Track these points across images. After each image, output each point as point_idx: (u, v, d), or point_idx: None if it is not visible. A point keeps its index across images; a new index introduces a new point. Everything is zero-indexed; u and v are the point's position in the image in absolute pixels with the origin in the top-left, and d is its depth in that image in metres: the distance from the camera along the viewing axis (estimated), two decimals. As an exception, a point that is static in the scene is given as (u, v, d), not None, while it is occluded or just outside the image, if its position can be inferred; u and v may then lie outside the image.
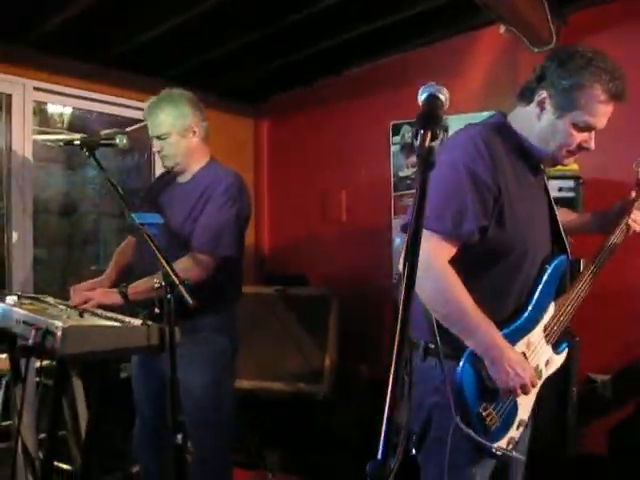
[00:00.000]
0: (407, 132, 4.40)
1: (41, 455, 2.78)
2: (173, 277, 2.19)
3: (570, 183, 3.50)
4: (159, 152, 2.91)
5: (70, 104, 4.31)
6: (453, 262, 1.87)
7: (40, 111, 5.14)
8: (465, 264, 1.87)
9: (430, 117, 1.25)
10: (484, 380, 1.88)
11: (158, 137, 2.87)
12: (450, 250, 1.87)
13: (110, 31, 3.64)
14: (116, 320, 2.33)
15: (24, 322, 2.22)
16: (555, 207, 2.16)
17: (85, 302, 2.66)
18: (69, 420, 3.04)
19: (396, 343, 0.99)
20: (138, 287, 2.71)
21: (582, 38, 3.87)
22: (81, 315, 2.36)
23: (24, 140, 3.76)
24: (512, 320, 1.97)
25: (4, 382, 3.17)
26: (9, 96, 3.73)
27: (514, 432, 1.99)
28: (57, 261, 5.74)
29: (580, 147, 1.97)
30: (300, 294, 4.55)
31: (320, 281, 4.71)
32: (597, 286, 3.63)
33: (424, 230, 1.79)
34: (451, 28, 4.21)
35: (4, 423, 3.15)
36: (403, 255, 1.79)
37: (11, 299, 2.57)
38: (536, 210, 2.06)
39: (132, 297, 2.70)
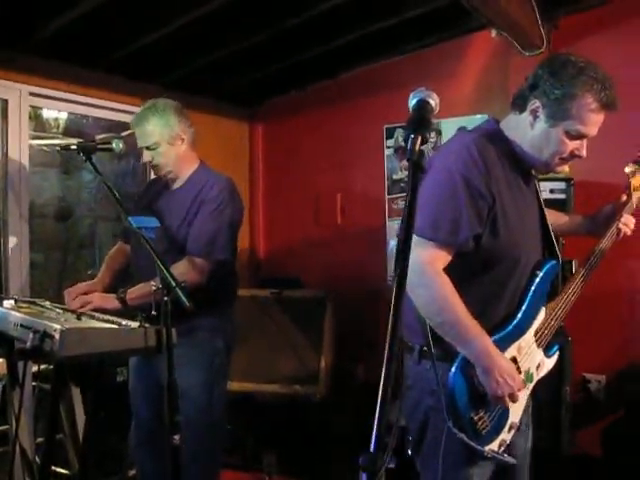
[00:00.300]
0: (401, 135, 4.43)
1: (38, 459, 2.78)
2: (170, 280, 2.21)
3: (561, 185, 3.54)
4: (150, 162, 2.93)
5: (66, 109, 4.33)
6: (446, 269, 1.89)
7: (36, 116, 5.16)
8: (458, 271, 1.89)
9: (420, 122, 1.28)
10: (476, 386, 1.90)
11: (147, 147, 2.89)
12: (445, 258, 1.89)
13: (106, 37, 3.66)
14: (113, 322, 2.35)
15: (22, 325, 2.23)
16: (546, 212, 2.18)
17: (83, 306, 2.68)
18: (66, 424, 3.05)
19: (388, 340, 1.02)
20: (135, 292, 2.74)
21: (573, 42, 3.91)
22: (78, 318, 2.37)
23: (20, 145, 3.77)
24: (503, 326, 1.99)
25: (1, 386, 3.18)
26: (5, 101, 3.73)
27: (505, 435, 2.01)
28: (53, 265, 5.75)
29: (572, 155, 1.99)
30: (295, 297, 4.56)
31: (315, 284, 4.72)
32: (591, 287, 3.65)
33: (420, 238, 1.85)
34: (443, 32, 4.24)
35: (1, 427, 3.15)
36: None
37: (8, 303, 2.58)
38: (528, 217, 2.08)
39: (130, 302, 2.72)
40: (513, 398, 1.90)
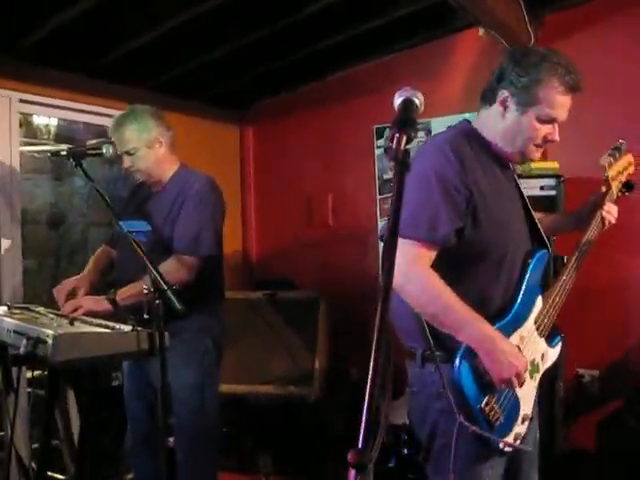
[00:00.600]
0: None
1: (34, 465, 2.79)
2: (161, 283, 2.22)
3: (551, 182, 3.55)
4: (130, 167, 2.95)
5: (56, 115, 4.33)
6: (436, 268, 1.90)
7: (26, 122, 5.16)
8: (448, 268, 1.91)
9: (405, 121, 1.28)
10: (482, 375, 1.90)
11: (127, 153, 2.90)
12: (429, 255, 1.90)
13: (94, 42, 3.66)
14: (106, 327, 2.36)
15: (15, 332, 2.24)
16: (529, 204, 2.21)
17: (75, 310, 2.69)
18: (62, 429, 3.05)
19: (375, 337, 1.03)
20: (126, 293, 2.74)
21: (560, 39, 3.93)
22: (71, 323, 2.38)
23: (11, 152, 3.77)
24: (502, 316, 1.99)
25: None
26: (-5, 108, 3.75)
27: (519, 427, 2.01)
28: (46, 272, 5.74)
29: (545, 140, 2.03)
30: (288, 298, 4.57)
31: (308, 285, 4.73)
32: (584, 282, 3.68)
33: (401, 239, 1.85)
34: (431, 32, 4.26)
35: (-2, 434, 3.16)
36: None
37: (1, 309, 2.59)
38: (510, 208, 2.10)
39: (121, 303, 2.73)
40: (519, 379, 1.89)
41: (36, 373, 2.99)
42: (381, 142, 4.61)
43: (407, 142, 1.23)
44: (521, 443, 2.01)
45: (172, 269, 2.76)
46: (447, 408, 1.90)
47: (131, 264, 2.81)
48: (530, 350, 2.03)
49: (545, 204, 3.53)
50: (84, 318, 2.57)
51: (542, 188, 3.55)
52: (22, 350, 2.09)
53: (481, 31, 4.00)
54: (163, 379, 2.23)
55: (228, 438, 4.60)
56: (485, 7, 3.41)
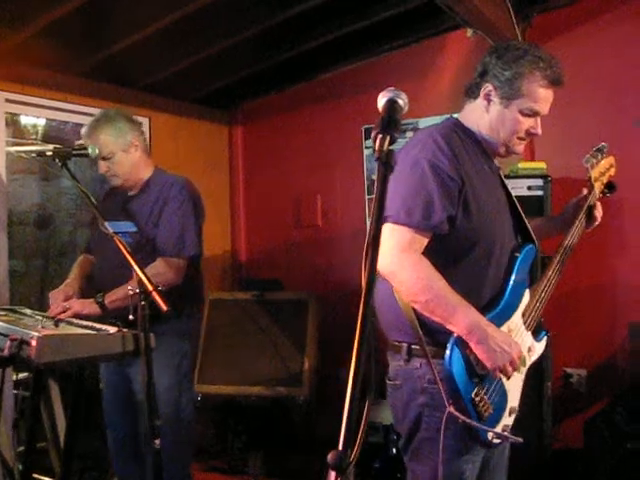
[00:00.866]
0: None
1: (20, 466, 2.77)
2: (147, 284, 2.21)
3: (539, 182, 3.56)
4: (106, 172, 2.94)
5: (43, 115, 4.31)
6: (427, 255, 1.91)
7: (13, 122, 5.13)
8: (438, 256, 1.91)
9: (389, 122, 1.28)
10: (473, 365, 1.90)
11: (103, 158, 2.89)
12: (422, 242, 1.91)
13: (83, 42, 3.65)
14: (91, 328, 2.35)
15: (-1, 333, 2.23)
16: (515, 200, 2.23)
17: (63, 312, 2.67)
18: (48, 431, 3.04)
19: (357, 336, 1.02)
20: (114, 295, 2.73)
21: (547, 39, 3.94)
22: (56, 324, 2.37)
23: (-4, 152, 3.75)
24: (491, 307, 2.00)
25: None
26: (-19, 108, 3.72)
27: (507, 419, 2.02)
28: (34, 273, 5.72)
29: (529, 133, 2.07)
30: (278, 299, 4.56)
31: (297, 285, 4.73)
32: (571, 282, 3.71)
33: (394, 225, 1.87)
34: (420, 32, 4.27)
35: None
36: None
37: (-15, 311, 2.58)
38: (497, 200, 2.12)
39: (110, 306, 2.71)
40: (514, 366, 1.90)
41: (24, 374, 2.99)
42: (370, 142, 4.60)
43: (391, 143, 1.23)
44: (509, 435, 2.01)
45: (160, 271, 2.79)
46: (431, 402, 1.91)
47: (110, 268, 2.81)
48: (519, 342, 2.03)
49: (532, 204, 3.54)
50: (69, 320, 2.56)
51: (529, 188, 3.56)
52: (6, 352, 2.07)
53: (469, 32, 4.01)
54: (149, 380, 2.21)
55: (217, 439, 4.59)
56: (472, 8, 3.41)
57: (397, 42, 4.38)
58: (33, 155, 2.73)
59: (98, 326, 2.39)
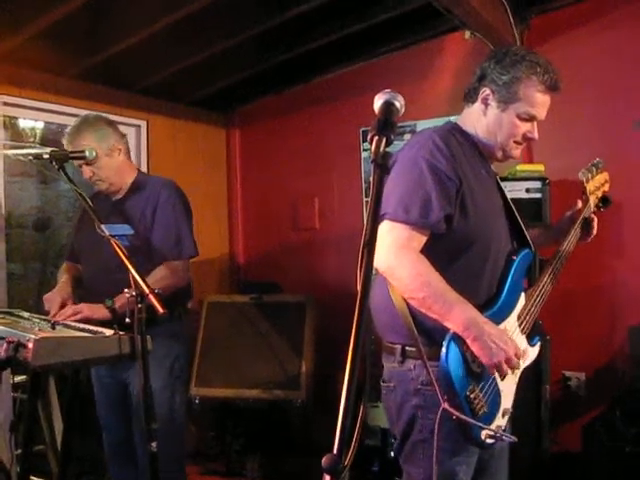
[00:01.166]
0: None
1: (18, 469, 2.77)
2: (143, 287, 2.21)
3: (537, 184, 3.56)
4: (91, 178, 2.92)
5: (41, 118, 4.30)
6: (424, 254, 1.92)
7: (11, 125, 5.13)
8: (435, 255, 1.92)
9: (385, 124, 1.28)
10: (469, 362, 1.91)
11: (87, 163, 2.87)
12: (420, 240, 1.92)
13: (80, 44, 3.64)
14: (88, 331, 2.35)
15: (-5, 336, 2.22)
16: (512, 204, 2.25)
17: (73, 315, 2.66)
18: (46, 433, 3.03)
19: (352, 340, 1.02)
20: (123, 299, 2.71)
21: (545, 41, 3.95)
22: (53, 327, 2.36)
23: (-6, 155, 3.74)
24: (488, 307, 2.01)
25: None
26: (-22, 111, 3.71)
27: (500, 420, 2.02)
28: (33, 276, 5.72)
29: (525, 137, 2.10)
30: (276, 301, 4.56)
31: (295, 288, 4.72)
32: (569, 285, 3.71)
33: (392, 223, 1.88)
34: (417, 35, 4.27)
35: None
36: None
37: (-18, 314, 2.57)
38: (493, 203, 2.14)
39: (120, 310, 2.69)
40: (510, 363, 1.90)
41: (21, 378, 2.98)
42: (367, 145, 4.60)
43: (387, 145, 1.24)
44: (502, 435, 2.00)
45: (165, 275, 2.82)
46: (425, 404, 1.92)
47: (105, 272, 2.80)
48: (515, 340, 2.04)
49: (531, 207, 3.54)
50: (66, 322, 2.56)
51: (528, 191, 3.56)
52: (3, 354, 2.07)
53: (467, 34, 4.02)
54: (146, 383, 2.21)
55: (215, 442, 4.59)
56: (470, 10, 3.42)
57: (395, 44, 4.38)
58: (30, 158, 2.72)
59: (94, 329, 2.38)
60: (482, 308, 1.98)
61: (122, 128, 4.48)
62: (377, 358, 2.10)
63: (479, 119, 2.10)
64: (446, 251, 1.98)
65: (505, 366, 1.89)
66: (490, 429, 1.95)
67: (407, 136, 4.32)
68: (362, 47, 4.40)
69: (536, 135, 2.11)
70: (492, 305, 2.02)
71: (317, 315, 4.43)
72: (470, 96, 2.14)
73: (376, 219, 1.17)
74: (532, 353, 2.17)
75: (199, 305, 4.64)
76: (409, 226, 1.91)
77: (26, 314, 2.82)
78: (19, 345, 2.07)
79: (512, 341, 1.93)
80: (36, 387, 2.47)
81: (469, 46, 4.11)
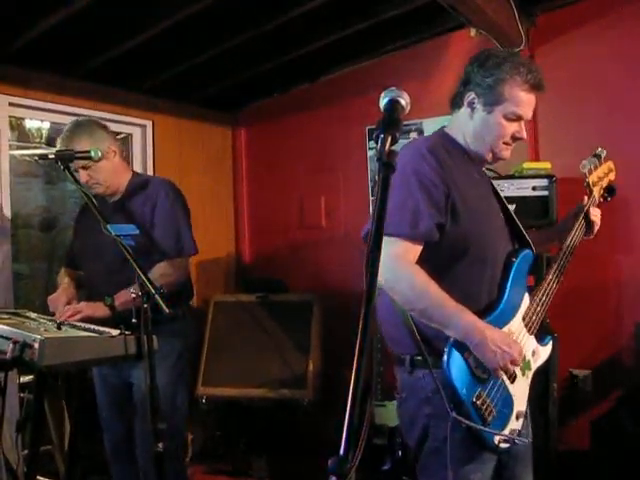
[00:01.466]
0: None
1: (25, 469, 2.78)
2: (149, 286, 2.21)
3: (544, 182, 3.54)
4: (88, 181, 2.91)
5: (46, 118, 4.30)
6: (421, 264, 1.92)
7: (18, 126, 5.14)
8: (431, 266, 1.92)
9: (391, 122, 1.28)
10: (472, 368, 1.90)
11: (83, 167, 2.87)
12: (414, 251, 1.93)
13: (85, 44, 3.64)
14: (94, 331, 2.35)
15: (1, 336, 2.23)
16: (508, 206, 2.24)
17: (74, 315, 2.67)
18: (53, 432, 3.04)
19: (358, 339, 1.02)
20: (123, 297, 2.71)
21: (551, 39, 3.94)
22: (59, 327, 2.37)
23: (0, 155, 3.73)
24: (489, 311, 2.00)
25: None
26: (-17, 112, 3.72)
27: (514, 424, 2.01)
28: (39, 276, 5.72)
29: (514, 137, 2.10)
30: (282, 300, 4.56)
31: (302, 287, 4.72)
32: (576, 282, 3.69)
33: (385, 237, 1.87)
34: (423, 33, 4.25)
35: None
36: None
37: (-11, 315, 2.57)
38: (488, 207, 2.14)
39: (120, 308, 2.70)
40: (516, 364, 1.91)
41: (28, 378, 2.99)
42: (373, 144, 4.59)
43: (392, 143, 1.23)
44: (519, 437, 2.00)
45: (166, 272, 2.83)
46: (436, 412, 1.91)
47: (108, 273, 2.81)
48: (518, 342, 2.03)
49: (537, 204, 3.53)
50: (73, 323, 2.56)
51: (534, 188, 3.54)
52: (8, 355, 2.07)
53: (473, 31, 4.00)
54: (152, 382, 2.21)
55: (221, 441, 4.59)
56: (475, 7, 3.40)
57: (400, 42, 4.37)
58: (36, 158, 2.74)
59: (100, 329, 2.39)
60: (483, 313, 1.97)
61: (128, 128, 4.57)
62: (384, 357, 2.10)
63: (466, 124, 2.11)
64: (442, 259, 1.98)
65: (511, 368, 1.90)
66: (501, 434, 1.94)
67: (413, 134, 4.31)
68: (367, 46, 4.39)
69: (524, 134, 2.10)
70: (493, 309, 2.01)
71: (323, 314, 4.42)
72: (456, 101, 2.15)
73: (382, 218, 1.17)
74: (544, 353, 2.17)
75: (205, 305, 4.65)
76: (401, 239, 1.91)
77: (33, 314, 2.82)
78: (25, 345, 2.08)
79: (515, 343, 1.93)
80: (42, 387, 2.47)
81: (475, 44, 4.09)
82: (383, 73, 4.51)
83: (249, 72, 4.47)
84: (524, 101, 2.05)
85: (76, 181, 2.68)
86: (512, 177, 3.64)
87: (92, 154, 2.68)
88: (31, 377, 2.98)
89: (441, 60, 4.35)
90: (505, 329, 2.00)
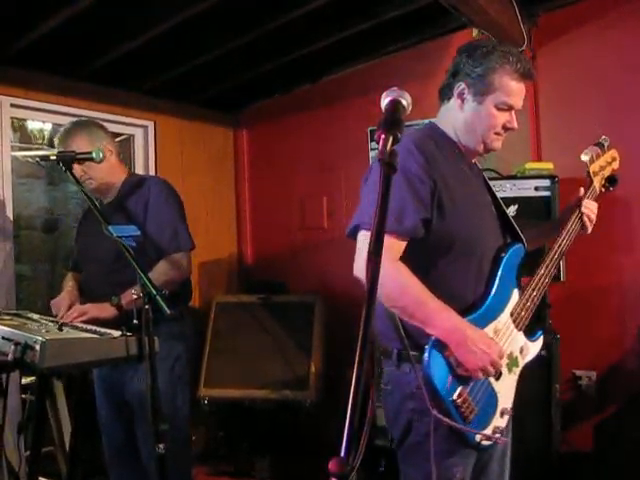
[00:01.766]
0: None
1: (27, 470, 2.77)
2: (150, 288, 2.21)
3: (546, 182, 3.54)
4: (81, 177, 2.89)
5: (48, 120, 4.31)
6: (405, 262, 1.90)
7: (20, 127, 5.15)
8: (417, 262, 1.91)
9: (392, 122, 1.28)
10: (453, 367, 1.89)
11: (78, 162, 2.84)
12: (399, 247, 1.91)
13: (86, 45, 3.64)
14: (95, 332, 2.35)
15: (3, 338, 2.23)
16: (500, 200, 2.22)
17: (79, 316, 2.66)
18: (55, 434, 3.04)
19: (359, 344, 1.01)
20: (127, 297, 2.71)
21: (553, 38, 3.93)
22: (60, 329, 2.37)
23: (2, 156, 3.73)
24: (474, 309, 1.99)
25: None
26: (-15, 113, 3.72)
27: (499, 421, 2.00)
28: (41, 277, 5.73)
29: (505, 127, 2.07)
30: (284, 301, 4.56)
31: (304, 288, 4.72)
32: (580, 283, 3.68)
33: (368, 232, 1.87)
34: (425, 33, 4.24)
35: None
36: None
37: (-9, 316, 2.58)
38: (478, 201, 2.11)
39: (127, 307, 2.69)
40: (496, 366, 1.89)
41: (31, 379, 2.99)
42: (375, 144, 4.59)
43: (394, 143, 1.23)
44: (501, 436, 1.99)
45: (164, 270, 2.82)
46: (420, 408, 1.89)
47: (107, 273, 2.80)
48: (507, 343, 2.02)
49: (540, 205, 3.52)
50: (75, 324, 2.56)
51: (537, 189, 3.54)
52: (10, 356, 2.08)
53: (475, 32, 3.99)
54: (153, 384, 2.21)
55: (224, 443, 4.59)
56: (477, 7, 3.40)
57: (403, 43, 4.36)
58: (37, 159, 2.74)
59: (102, 330, 2.38)
60: (468, 310, 1.96)
61: (129, 129, 4.57)
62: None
63: (456, 115, 2.08)
64: (428, 254, 1.96)
65: (491, 369, 1.88)
66: (482, 433, 1.94)
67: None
68: (369, 46, 4.38)
69: (515, 125, 2.08)
70: (479, 306, 1.99)
71: (325, 315, 4.42)
72: (445, 93, 2.13)
73: (383, 220, 1.17)
74: (533, 348, 2.14)
75: (207, 306, 4.64)
76: (386, 235, 1.89)
77: (35, 315, 2.83)
78: (26, 347, 2.08)
79: (495, 344, 1.92)
80: (44, 389, 2.47)
81: (477, 44, 4.08)
82: (385, 74, 4.50)
83: (250, 73, 4.47)
84: (514, 90, 2.03)
85: (78, 182, 2.67)
86: (514, 177, 3.64)
87: (94, 155, 2.67)
88: (33, 378, 2.99)
89: (443, 61, 4.31)
90: (491, 326, 1.98)
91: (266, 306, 4.52)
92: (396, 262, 1.89)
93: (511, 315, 2.06)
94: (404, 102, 1.35)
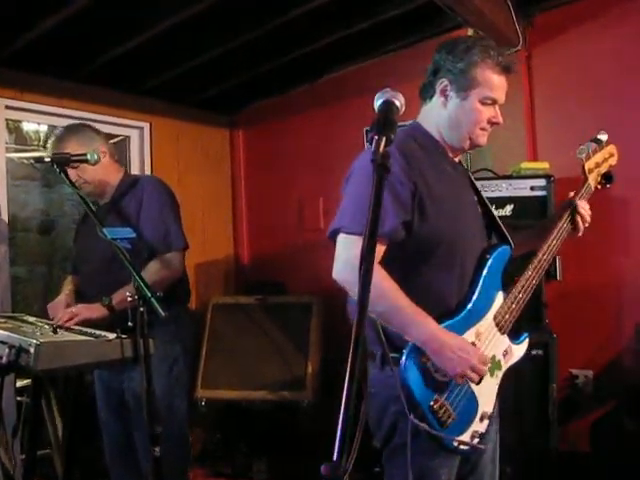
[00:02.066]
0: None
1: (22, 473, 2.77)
2: (146, 290, 2.20)
3: (542, 182, 3.53)
4: (76, 181, 2.89)
5: (43, 121, 4.30)
6: (385, 265, 1.88)
7: (16, 129, 5.14)
8: (398, 265, 1.90)
9: (385, 123, 1.28)
10: (430, 373, 1.88)
11: (72, 167, 2.85)
12: (378, 251, 1.87)
13: (82, 47, 3.63)
14: (90, 335, 2.34)
15: (-3, 341, 2.22)
16: (487, 200, 2.19)
17: (71, 319, 2.65)
18: (52, 436, 3.03)
19: (351, 348, 1.01)
20: (120, 297, 2.69)
21: (548, 38, 3.93)
22: (55, 331, 2.36)
23: (-3, 158, 3.74)
24: (456, 312, 1.96)
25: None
26: (-20, 115, 3.71)
27: (478, 425, 1.98)
28: (38, 280, 5.72)
29: (490, 122, 2.05)
30: (281, 302, 4.56)
31: (301, 289, 4.71)
32: (576, 282, 3.68)
33: (348, 236, 1.87)
34: (421, 33, 4.23)
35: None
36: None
37: (-14, 319, 2.57)
38: (462, 202, 2.08)
39: (118, 307, 2.68)
40: (476, 371, 1.87)
41: (26, 382, 2.98)
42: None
43: (387, 144, 1.23)
44: (480, 442, 1.97)
45: (158, 269, 2.81)
46: (403, 410, 1.87)
47: (104, 274, 2.79)
48: (489, 346, 2.00)
49: (535, 205, 3.52)
50: (69, 326, 2.55)
51: (532, 188, 3.53)
52: (4, 359, 2.07)
53: (470, 32, 3.98)
54: (148, 386, 2.20)
55: (221, 444, 4.58)
56: (473, 8, 3.40)
57: (398, 43, 4.35)
58: (32, 161, 2.73)
59: (97, 332, 2.38)
60: (447, 315, 1.94)
61: (125, 130, 4.56)
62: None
63: (440, 113, 2.06)
64: (409, 259, 1.94)
65: (472, 374, 1.87)
66: (458, 439, 1.92)
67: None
68: (366, 47, 4.37)
69: (500, 119, 2.06)
70: (460, 310, 1.97)
71: (322, 316, 4.41)
72: (427, 91, 2.10)
73: (377, 222, 1.16)
74: (518, 352, 2.11)
75: (204, 307, 4.64)
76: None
77: (31, 318, 2.83)
78: (21, 350, 2.08)
79: (474, 349, 1.90)
80: (39, 391, 2.46)
81: (472, 44, 4.08)
82: (381, 74, 4.49)
83: (247, 74, 4.46)
84: (496, 84, 2.01)
85: (72, 185, 2.67)
86: (510, 177, 3.64)
87: (89, 157, 2.67)
88: (28, 381, 2.98)
89: (439, 60, 4.34)
90: (473, 330, 1.96)
91: (263, 307, 4.51)
92: (376, 267, 1.85)
93: (494, 318, 2.03)
94: (397, 103, 1.35)
